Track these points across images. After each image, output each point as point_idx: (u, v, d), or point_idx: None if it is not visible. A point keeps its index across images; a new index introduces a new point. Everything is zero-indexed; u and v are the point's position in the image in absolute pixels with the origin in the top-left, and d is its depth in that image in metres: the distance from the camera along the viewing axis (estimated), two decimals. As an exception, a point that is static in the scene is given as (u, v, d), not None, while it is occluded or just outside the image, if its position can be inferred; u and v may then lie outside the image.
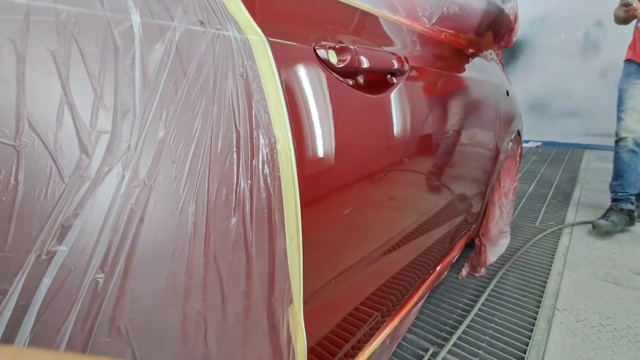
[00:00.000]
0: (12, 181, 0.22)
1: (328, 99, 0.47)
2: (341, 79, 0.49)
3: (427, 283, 1.01)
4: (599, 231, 1.70)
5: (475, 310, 1.18)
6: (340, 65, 0.48)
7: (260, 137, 0.37)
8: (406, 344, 1.06)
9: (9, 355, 0.16)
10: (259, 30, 0.38)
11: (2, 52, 0.22)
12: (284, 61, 0.41)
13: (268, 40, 0.39)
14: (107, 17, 0.26)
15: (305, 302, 0.47)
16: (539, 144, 4.02)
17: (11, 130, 0.22)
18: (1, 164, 0.22)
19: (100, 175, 0.26)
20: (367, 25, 0.60)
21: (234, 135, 0.34)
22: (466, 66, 0.97)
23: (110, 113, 0.26)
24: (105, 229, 0.26)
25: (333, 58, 0.47)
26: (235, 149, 0.35)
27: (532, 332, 1.09)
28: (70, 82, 0.24)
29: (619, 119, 1.81)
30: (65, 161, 0.24)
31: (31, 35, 0.23)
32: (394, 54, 0.61)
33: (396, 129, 0.62)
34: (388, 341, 0.84)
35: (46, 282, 0.24)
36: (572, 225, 1.83)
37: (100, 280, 0.26)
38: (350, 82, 0.51)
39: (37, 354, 0.18)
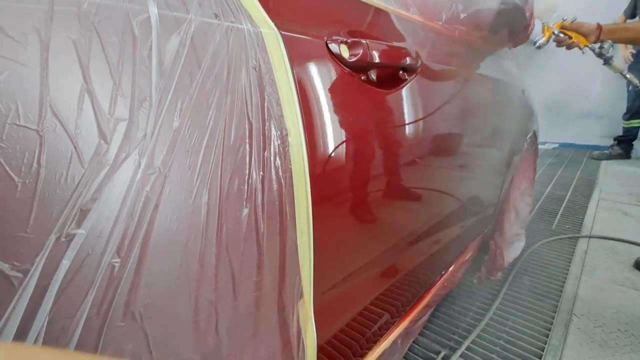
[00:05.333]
0: (34, 164, 0.23)
1: (339, 93, 0.47)
2: (353, 73, 0.49)
3: (439, 284, 1.00)
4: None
5: (490, 314, 1.16)
6: (352, 60, 0.48)
7: (272, 129, 0.37)
8: (417, 346, 1.04)
9: (9, 351, 0.17)
10: (272, 24, 0.39)
11: (27, 39, 0.23)
12: (296, 54, 0.41)
13: (281, 33, 0.39)
14: (126, 8, 0.27)
15: (315, 297, 0.47)
16: (556, 145, 3.93)
17: (34, 115, 0.23)
18: (25, 148, 0.23)
19: (117, 161, 0.26)
20: (379, 21, 0.60)
21: (247, 126, 0.35)
22: (480, 64, 0.96)
23: (128, 101, 0.27)
24: (122, 215, 0.27)
25: (345, 52, 0.48)
26: (247, 140, 0.35)
27: (548, 337, 1.06)
28: (90, 70, 0.25)
29: None
30: (84, 147, 0.25)
31: (55, 25, 0.24)
32: (406, 50, 0.61)
33: (407, 125, 0.62)
34: (399, 341, 0.83)
35: (65, 264, 0.25)
36: (589, 237, 1.74)
37: (116, 264, 0.27)
38: (362, 77, 0.51)
39: (38, 351, 0.18)
